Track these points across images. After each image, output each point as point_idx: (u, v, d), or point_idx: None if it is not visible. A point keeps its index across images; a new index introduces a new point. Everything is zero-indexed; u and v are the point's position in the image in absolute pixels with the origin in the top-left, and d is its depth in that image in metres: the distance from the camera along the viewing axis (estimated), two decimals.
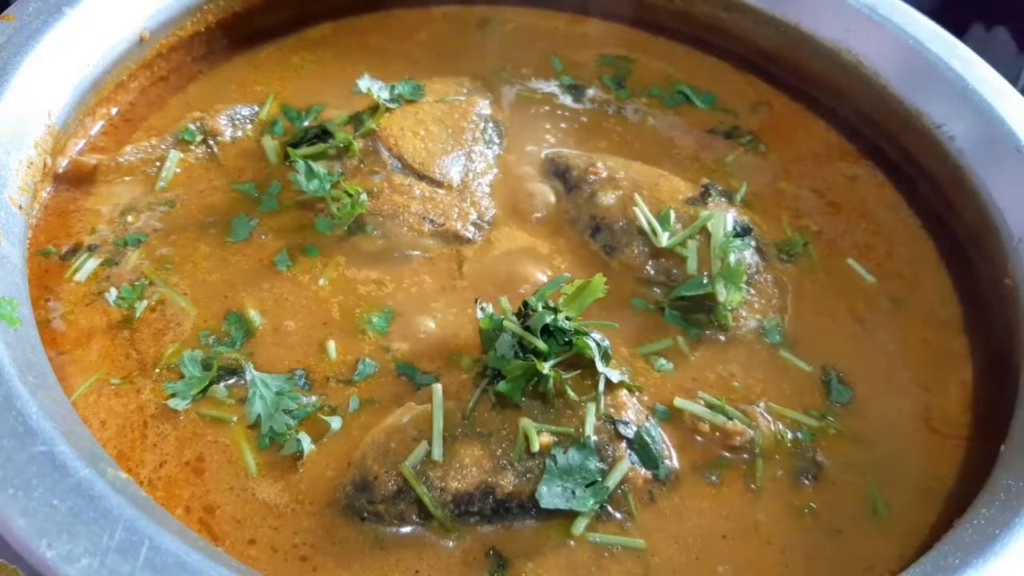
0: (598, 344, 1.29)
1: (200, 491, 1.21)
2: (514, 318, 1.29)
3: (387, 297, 1.47)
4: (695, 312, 1.50)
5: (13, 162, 1.39)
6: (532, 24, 2.12)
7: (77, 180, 1.58)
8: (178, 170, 1.63)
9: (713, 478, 1.31)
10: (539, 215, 1.65)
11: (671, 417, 1.36)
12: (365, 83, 1.67)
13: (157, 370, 1.32)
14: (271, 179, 1.63)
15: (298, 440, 1.25)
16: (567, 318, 1.28)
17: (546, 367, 1.23)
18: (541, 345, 1.25)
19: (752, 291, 1.53)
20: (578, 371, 1.28)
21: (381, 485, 1.18)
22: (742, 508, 1.28)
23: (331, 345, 1.38)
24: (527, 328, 1.26)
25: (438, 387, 1.25)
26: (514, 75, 1.96)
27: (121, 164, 1.61)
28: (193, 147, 1.67)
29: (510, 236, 1.60)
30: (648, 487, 1.27)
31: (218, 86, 1.84)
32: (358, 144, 1.61)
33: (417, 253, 1.55)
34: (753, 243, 1.56)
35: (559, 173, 1.70)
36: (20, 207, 1.37)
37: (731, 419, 1.34)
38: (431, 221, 1.56)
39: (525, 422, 1.22)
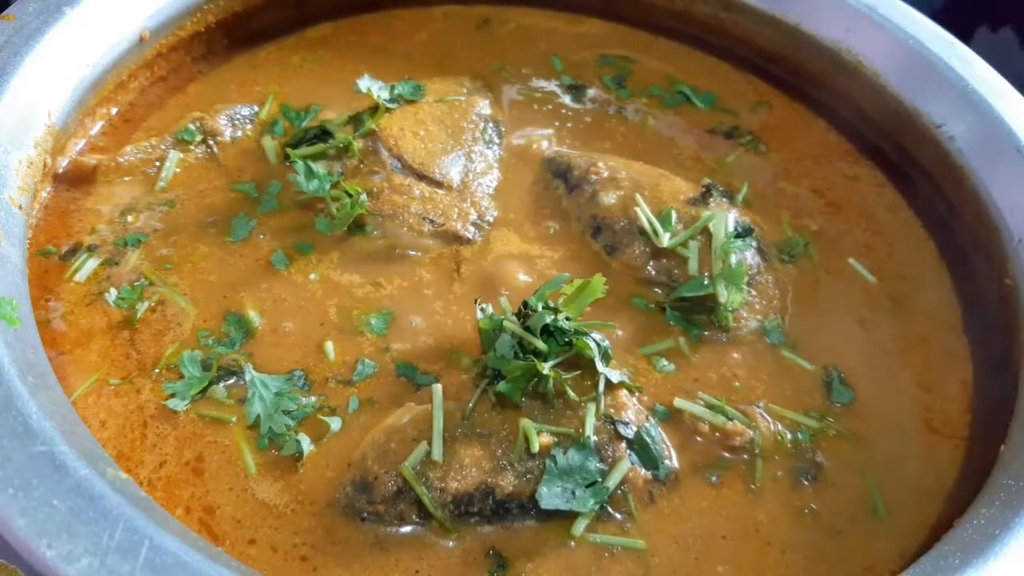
0: (598, 344, 1.29)
1: (200, 491, 1.21)
2: (514, 318, 1.29)
3: (387, 297, 1.47)
4: (696, 313, 1.50)
5: (13, 162, 1.39)
6: (532, 24, 2.12)
7: (77, 180, 1.58)
8: (178, 170, 1.63)
9: (713, 478, 1.31)
10: (539, 215, 1.65)
11: (671, 417, 1.36)
12: (365, 83, 1.67)
13: (157, 370, 1.32)
14: (271, 179, 1.63)
15: (297, 441, 1.25)
16: (567, 318, 1.28)
17: (546, 367, 1.23)
18: (541, 345, 1.25)
19: (753, 292, 1.52)
20: (578, 371, 1.28)
21: (381, 485, 1.18)
22: (742, 508, 1.28)
23: (329, 346, 1.38)
24: (527, 328, 1.26)
25: (438, 387, 1.25)
26: (514, 75, 1.96)
27: (121, 164, 1.61)
28: (193, 147, 1.67)
29: (510, 237, 1.60)
30: (648, 487, 1.27)
31: (218, 86, 1.84)
32: (358, 144, 1.61)
33: (417, 253, 1.55)
34: (754, 243, 1.56)
35: (560, 173, 1.70)
36: (20, 207, 1.37)
37: (731, 419, 1.34)
38: (431, 221, 1.56)
39: (525, 422, 1.22)
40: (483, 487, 1.19)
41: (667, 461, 1.30)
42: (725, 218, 1.52)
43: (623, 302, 1.51)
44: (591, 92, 1.95)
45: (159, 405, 1.28)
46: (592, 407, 1.25)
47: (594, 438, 1.23)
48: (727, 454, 1.33)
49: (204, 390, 1.30)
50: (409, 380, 1.36)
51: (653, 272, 1.54)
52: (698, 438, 1.34)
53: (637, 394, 1.35)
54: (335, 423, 1.29)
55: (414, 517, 1.19)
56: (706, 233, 1.52)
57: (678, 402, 1.36)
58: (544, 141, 1.81)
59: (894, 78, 1.85)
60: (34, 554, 0.93)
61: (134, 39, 1.70)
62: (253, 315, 1.41)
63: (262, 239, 1.53)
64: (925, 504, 1.33)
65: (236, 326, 1.39)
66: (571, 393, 1.27)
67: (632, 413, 1.29)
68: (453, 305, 1.47)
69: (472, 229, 1.58)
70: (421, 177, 1.61)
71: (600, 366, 1.28)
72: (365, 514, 1.19)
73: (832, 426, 1.40)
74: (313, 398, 1.32)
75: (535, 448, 1.19)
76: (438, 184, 1.61)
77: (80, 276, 1.43)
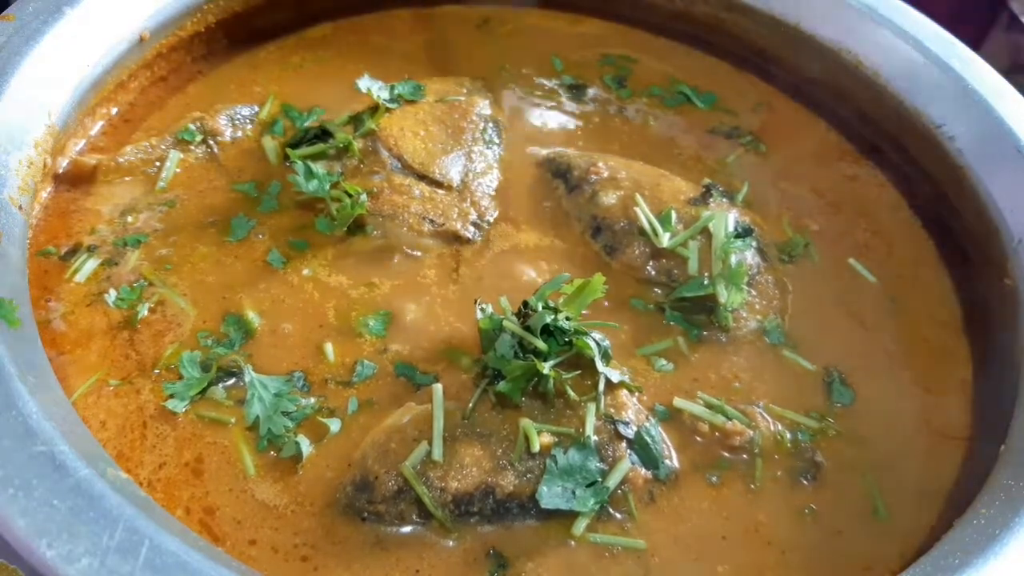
0: (598, 344, 1.29)
1: (200, 492, 1.21)
2: (514, 318, 1.29)
3: (386, 297, 1.47)
4: (696, 313, 1.50)
5: (13, 162, 1.38)
6: (532, 24, 2.12)
7: (77, 180, 1.58)
8: (178, 170, 1.62)
9: (713, 478, 1.31)
10: (539, 215, 1.65)
11: (671, 417, 1.36)
12: (365, 83, 1.67)
13: (156, 371, 1.32)
14: (271, 179, 1.63)
15: (296, 443, 1.24)
16: (567, 318, 1.28)
17: (546, 367, 1.23)
18: (541, 345, 1.25)
19: (753, 292, 1.52)
20: (578, 371, 1.28)
21: (381, 485, 1.18)
22: (742, 508, 1.28)
23: (329, 347, 1.38)
24: (527, 328, 1.26)
25: (438, 387, 1.25)
26: (514, 75, 1.96)
27: (121, 164, 1.61)
28: (193, 147, 1.67)
29: (510, 236, 1.60)
30: (648, 487, 1.27)
31: (218, 86, 1.84)
32: (358, 144, 1.61)
33: (417, 253, 1.54)
34: (754, 244, 1.56)
35: (560, 173, 1.70)
36: (20, 207, 1.37)
37: (730, 419, 1.34)
38: (431, 221, 1.56)
39: (525, 422, 1.22)
40: (483, 487, 1.19)
41: (667, 461, 1.30)
42: (725, 218, 1.52)
43: (622, 302, 1.51)
44: (591, 92, 1.95)
45: (159, 406, 1.28)
46: (592, 407, 1.25)
47: (594, 438, 1.23)
48: (727, 454, 1.33)
49: (203, 391, 1.30)
50: (409, 380, 1.36)
51: (653, 272, 1.54)
52: (698, 438, 1.34)
53: (637, 394, 1.35)
54: (334, 424, 1.28)
55: (414, 517, 1.19)
56: (706, 233, 1.52)
57: (678, 402, 1.36)
58: (544, 141, 1.81)
59: (894, 78, 1.85)
60: (34, 554, 0.93)
61: (134, 39, 1.70)
62: (252, 316, 1.41)
63: (261, 239, 1.53)
64: (925, 504, 1.33)
65: (235, 327, 1.39)
66: (571, 393, 1.27)
67: (632, 413, 1.29)
68: (453, 305, 1.47)
69: (472, 229, 1.58)
70: (421, 177, 1.61)
71: (600, 366, 1.28)
72: (365, 514, 1.19)
73: (832, 426, 1.40)
74: (312, 399, 1.32)
75: (535, 448, 1.19)
76: (438, 184, 1.61)
77: (80, 276, 1.43)
